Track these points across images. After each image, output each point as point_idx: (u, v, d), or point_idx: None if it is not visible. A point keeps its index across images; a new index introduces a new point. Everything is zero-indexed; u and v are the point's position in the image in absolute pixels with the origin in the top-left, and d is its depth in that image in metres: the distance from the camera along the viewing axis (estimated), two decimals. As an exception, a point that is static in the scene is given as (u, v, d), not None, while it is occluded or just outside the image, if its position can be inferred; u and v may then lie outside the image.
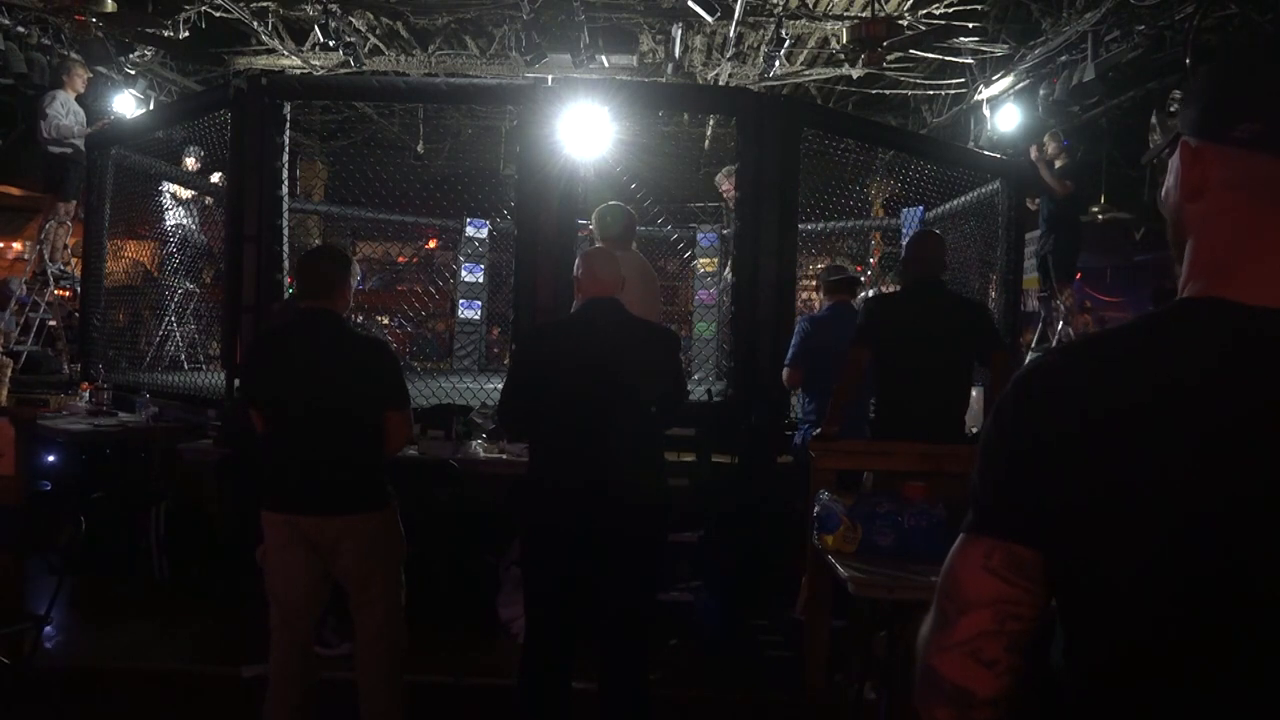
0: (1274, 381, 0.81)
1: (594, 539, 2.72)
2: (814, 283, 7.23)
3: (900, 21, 7.45)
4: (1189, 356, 0.84)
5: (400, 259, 11.60)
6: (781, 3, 7.77)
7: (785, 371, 4.67)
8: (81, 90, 7.69)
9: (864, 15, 7.54)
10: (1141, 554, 0.82)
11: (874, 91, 9.40)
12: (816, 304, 5.15)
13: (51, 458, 5.63)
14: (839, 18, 8.02)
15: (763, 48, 8.45)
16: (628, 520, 2.73)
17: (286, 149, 5.19)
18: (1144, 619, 0.83)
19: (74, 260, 7.79)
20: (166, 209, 7.35)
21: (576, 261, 3.03)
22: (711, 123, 10.97)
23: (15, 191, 10.83)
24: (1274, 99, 0.86)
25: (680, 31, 8.20)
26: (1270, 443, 0.79)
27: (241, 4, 8.00)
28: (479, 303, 9.65)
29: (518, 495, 3.01)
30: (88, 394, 5.88)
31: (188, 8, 7.96)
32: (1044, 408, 0.88)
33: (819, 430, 3.96)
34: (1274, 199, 0.86)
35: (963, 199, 6.90)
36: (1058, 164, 7.43)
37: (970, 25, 7.78)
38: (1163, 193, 0.98)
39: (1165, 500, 0.81)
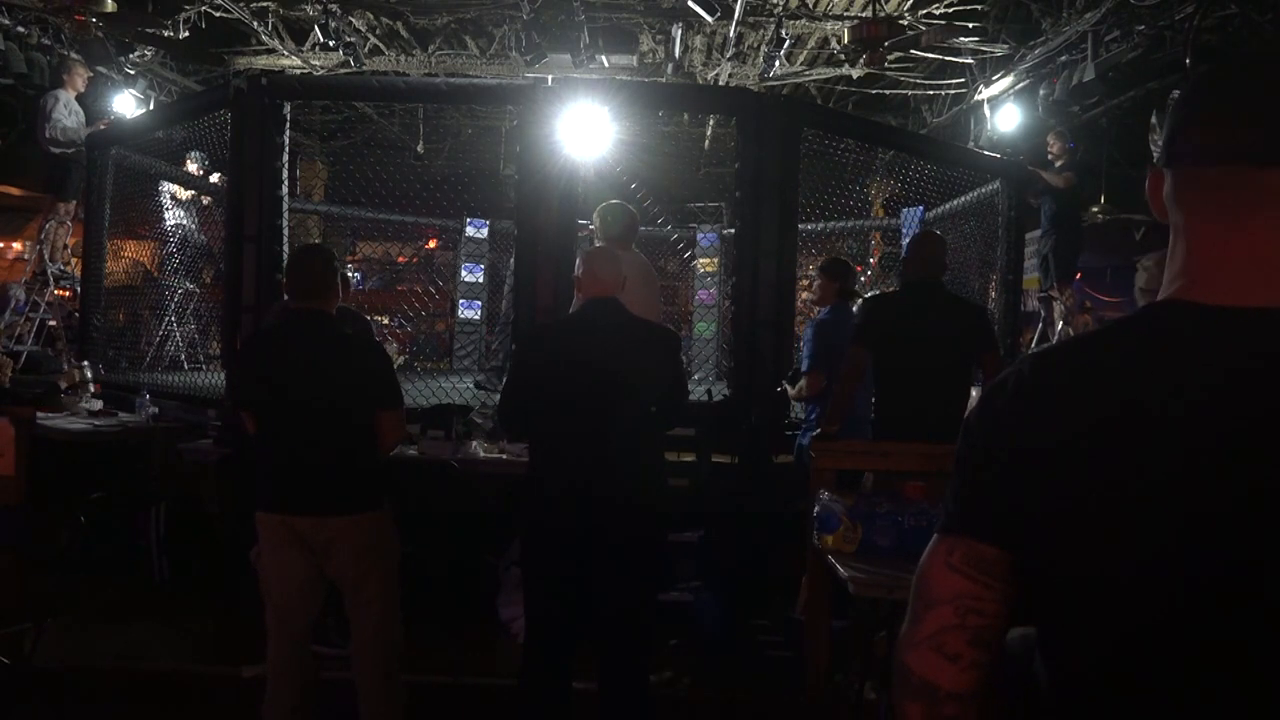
0: (1236, 380, 0.82)
1: (594, 539, 2.72)
2: (808, 281, 7.20)
3: (900, 21, 7.45)
4: (1155, 361, 0.86)
5: (400, 259, 11.60)
6: (781, 3, 7.77)
7: (805, 379, 4.58)
8: (82, 90, 7.69)
9: (864, 15, 7.55)
10: (1107, 560, 0.82)
11: (874, 91, 9.41)
12: (816, 296, 5.13)
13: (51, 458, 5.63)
14: (839, 18, 8.03)
15: (763, 48, 8.45)
16: (627, 521, 2.73)
17: (286, 149, 5.19)
18: (1110, 626, 0.83)
19: (74, 260, 7.79)
20: (166, 209, 7.35)
21: (577, 261, 3.03)
22: (711, 123, 10.97)
23: (15, 191, 10.83)
24: (1215, 114, 0.90)
25: (680, 31, 8.20)
26: (1237, 443, 0.80)
27: (241, 4, 8.00)
28: (479, 303, 9.66)
29: (518, 495, 3.01)
30: (88, 394, 5.89)
31: (188, 8, 7.96)
32: (1014, 414, 0.91)
33: (819, 430, 3.97)
34: (1219, 205, 0.90)
35: (963, 199, 6.90)
36: (1058, 164, 7.43)
37: (970, 25, 7.78)
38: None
39: (1134, 508, 0.81)
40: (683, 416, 3.13)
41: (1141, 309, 0.94)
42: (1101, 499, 0.83)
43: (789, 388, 4.80)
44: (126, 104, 8.55)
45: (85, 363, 5.92)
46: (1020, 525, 0.88)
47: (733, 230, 6.15)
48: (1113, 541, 0.82)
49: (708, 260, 8.97)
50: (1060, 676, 0.89)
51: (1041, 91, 7.85)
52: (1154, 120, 6.68)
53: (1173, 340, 0.87)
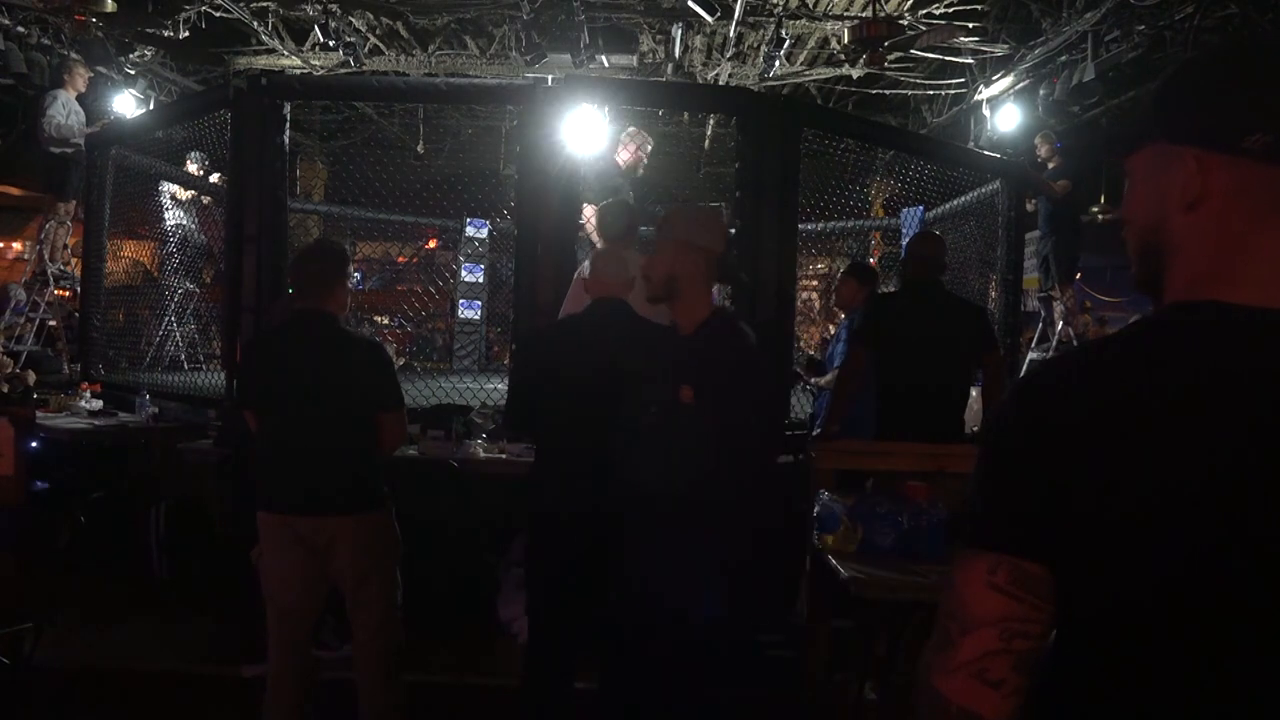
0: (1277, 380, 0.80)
1: (597, 541, 2.72)
2: (814, 282, 7.19)
3: (900, 21, 7.45)
4: (1190, 359, 0.83)
5: (400, 259, 11.59)
6: (781, 3, 7.77)
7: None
8: (82, 90, 7.68)
9: (864, 15, 7.55)
10: (1150, 562, 0.80)
11: (874, 91, 9.41)
12: (817, 305, 5.19)
13: (51, 458, 5.63)
14: (839, 18, 8.02)
15: (763, 48, 8.45)
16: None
17: (286, 149, 5.18)
18: (1150, 629, 0.81)
19: (74, 260, 7.79)
20: (166, 209, 7.35)
21: (585, 264, 3.02)
22: (711, 123, 10.97)
23: (15, 191, 10.83)
24: None
25: (680, 31, 8.20)
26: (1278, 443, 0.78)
27: (241, 4, 8.00)
28: (479, 303, 9.66)
29: (523, 496, 3.01)
30: (88, 394, 5.89)
31: (188, 8, 7.96)
32: (1043, 418, 0.86)
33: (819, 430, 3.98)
34: (1276, 209, 0.86)
35: (963, 199, 6.90)
36: (1051, 165, 7.42)
37: (970, 25, 7.78)
38: (1132, 200, 0.97)
39: (1173, 506, 0.79)
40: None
41: (1170, 308, 0.89)
42: (1125, 505, 0.80)
43: (817, 378, 4.88)
44: (126, 104, 8.54)
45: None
46: (1057, 536, 0.84)
47: (733, 230, 6.14)
48: (1142, 546, 0.80)
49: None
50: (1085, 688, 0.87)
51: (1041, 91, 7.85)
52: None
53: (1206, 343, 0.84)
